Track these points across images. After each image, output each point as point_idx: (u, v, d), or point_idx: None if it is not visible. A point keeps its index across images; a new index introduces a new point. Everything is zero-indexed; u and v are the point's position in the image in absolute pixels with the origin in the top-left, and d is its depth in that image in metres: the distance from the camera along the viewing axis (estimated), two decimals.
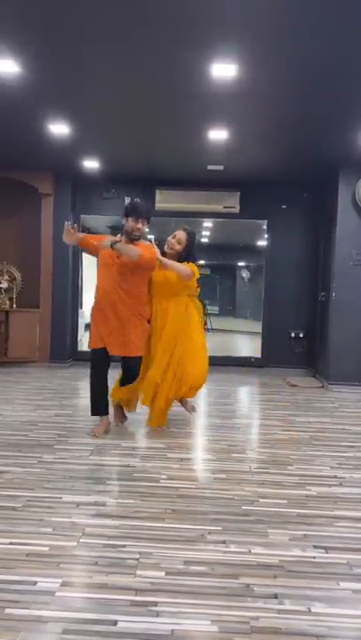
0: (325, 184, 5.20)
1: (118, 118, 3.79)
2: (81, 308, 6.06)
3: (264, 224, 5.68)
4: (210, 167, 4.95)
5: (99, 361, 3.02)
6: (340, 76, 2.91)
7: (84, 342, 6.09)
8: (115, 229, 7.79)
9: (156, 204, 5.46)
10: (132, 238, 2.96)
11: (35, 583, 1.56)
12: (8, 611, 1.43)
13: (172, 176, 5.33)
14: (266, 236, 5.71)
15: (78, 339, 5.90)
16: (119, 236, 3.02)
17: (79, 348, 5.85)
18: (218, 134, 3.98)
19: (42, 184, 5.39)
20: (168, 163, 4.98)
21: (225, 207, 5.44)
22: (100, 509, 2.08)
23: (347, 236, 4.78)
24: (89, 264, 5.98)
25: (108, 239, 2.91)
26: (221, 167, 4.94)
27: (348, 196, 4.75)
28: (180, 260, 3.07)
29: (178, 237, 3.08)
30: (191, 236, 3.13)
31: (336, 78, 2.95)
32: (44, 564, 1.67)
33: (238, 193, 5.42)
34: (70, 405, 3.94)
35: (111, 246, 2.83)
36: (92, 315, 3.06)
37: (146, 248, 2.95)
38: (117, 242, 2.85)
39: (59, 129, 3.95)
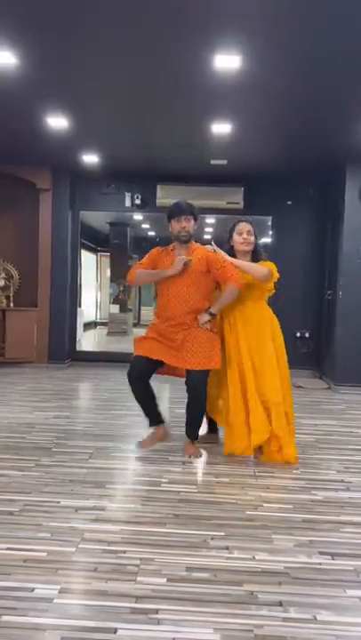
0: (332, 179, 5.13)
1: (118, 111, 3.73)
2: (80, 306, 6.02)
3: (269, 220, 5.61)
4: (213, 162, 4.89)
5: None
6: (347, 68, 2.86)
7: (83, 342, 6.07)
8: (114, 226, 7.75)
9: (157, 200, 5.41)
10: (183, 241, 2.69)
11: (32, 590, 1.53)
12: (5, 618, 1.41)
13: (174, 171, 5.27)
14: (270, 232, 5.64)
15: (77, 338, 5.85)
16: (173, 245, 2.75)
17: (78, 348, 5.80)
18: (221, 128, 3.92)
19: (40, 179, 5.33)
20: (170, 157, 4.92)
21: (228, 203, 5.37)
22: (100, 514, 2.04)
23: (354, 232, 4.72)
24: (88, 262, 5.94)
25: (179, 261, 2.58)
26: (225, 162, 4.88)
27: (356, 191, 4.69)
28: (254, 255, 2.77)
29: (248, 230, 2.75)
30: (254, 226, 2.82)
31: (344, 71, 2.89)
32: (41, 570, 1.64)
33: (242, 188, 5.35)
34: (69, 407, 3.90)
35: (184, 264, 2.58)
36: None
37: (199, 250, 2.69)
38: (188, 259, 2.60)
39: (57, 122, 3.89)
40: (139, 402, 2.75)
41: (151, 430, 2.86)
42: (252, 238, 2.77)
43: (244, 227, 2.78)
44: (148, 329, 2.80)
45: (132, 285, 2.81)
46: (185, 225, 2.67)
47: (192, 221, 2.70)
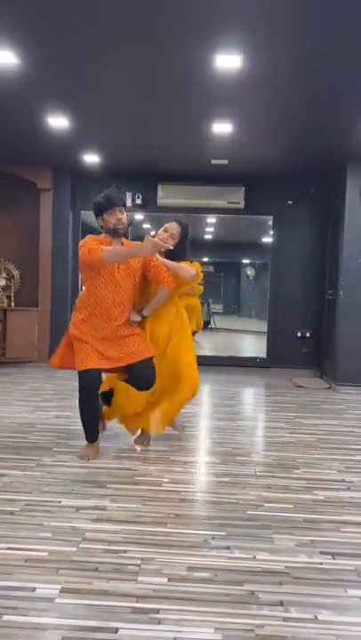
0: (333, 178, 5.14)
1: (119, 111, 3.73)
2: None
3: (270, 220, 5.62)
4: (214, 161, 4.89)
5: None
6: (347, 67, 2.86)
7: None
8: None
9: (158, 200, 5.41)
10: (121, 234, 2.54)
11: (33, 589, 1.53)
12: (6, 617, 1.41)
13: (175, 171, 5.27)
14: (271, 232, 5.65)
15: None
16: (103, 235, 2.58)
17: None
18: (222, 127, 3.93)
19: (40, 179, 5.34)
20: (170, 157, 4.92)
21: (229, 203, 5.37)
22: (101, 514, 2.04)
23: (355, 232, 4.72)
24: None
25: (153, 242, 2.39)
26: (226, 161, 4.88)
27: (356, 191, 4.69)
28: (172, 257, 2.72)
29: (170, 231, 2.73)
30: (185, 229, 2.79)
31: (344, 70, 2.89)
32: (42, 569, 1.64)
33: (243, 188, 5.36)
34: (70, 407, 3.86)
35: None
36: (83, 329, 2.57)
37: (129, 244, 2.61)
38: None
39: (58, 122, 3.89)
40: (88, 419, 2.60)
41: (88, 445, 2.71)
42: (172, 241, 2.74)
43: (172, 227, 2.76)
44: (80, 338, 2.54)
45: (97, 266, 2.50)
46: (120, 217, 2.50)
47: (124, 212, 2.54)
